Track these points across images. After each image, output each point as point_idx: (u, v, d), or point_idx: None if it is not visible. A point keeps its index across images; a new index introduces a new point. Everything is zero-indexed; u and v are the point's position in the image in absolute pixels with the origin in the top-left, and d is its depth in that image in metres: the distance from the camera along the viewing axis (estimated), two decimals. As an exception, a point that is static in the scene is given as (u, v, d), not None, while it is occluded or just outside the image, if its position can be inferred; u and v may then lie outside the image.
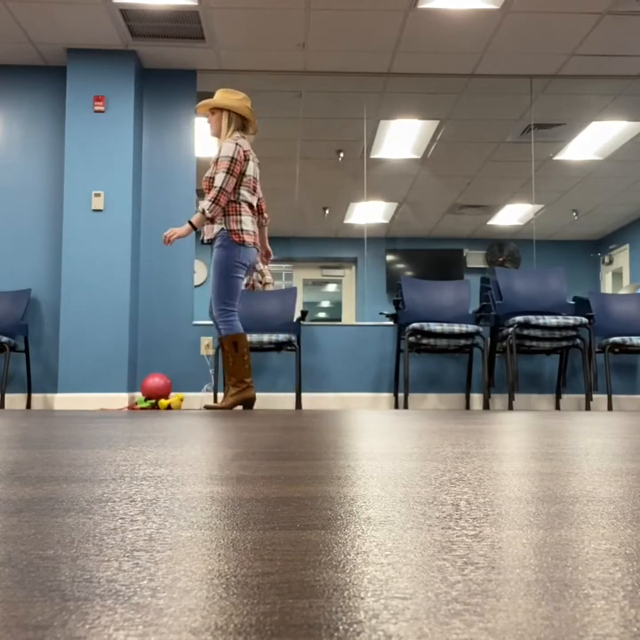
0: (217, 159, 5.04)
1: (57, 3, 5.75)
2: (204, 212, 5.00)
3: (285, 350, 6.04)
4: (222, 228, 5.09)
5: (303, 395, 6.35)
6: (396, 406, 6.36)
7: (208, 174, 5.06)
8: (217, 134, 5.18)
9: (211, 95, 7.08)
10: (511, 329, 5.94)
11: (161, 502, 0.78)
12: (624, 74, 6.93)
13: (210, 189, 5.03)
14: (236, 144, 5.02)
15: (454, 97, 7.24)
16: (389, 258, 9.41)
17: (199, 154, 6.80)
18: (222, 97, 5.15)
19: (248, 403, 5.05)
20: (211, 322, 6.51)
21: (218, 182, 4.97)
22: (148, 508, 0.74)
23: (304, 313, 6.31)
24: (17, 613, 0.38)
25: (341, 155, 7.94)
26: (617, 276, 9.79)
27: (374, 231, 8.82)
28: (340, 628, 0.36)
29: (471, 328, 5.95)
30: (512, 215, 9.10)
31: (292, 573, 0.48)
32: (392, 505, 0.76)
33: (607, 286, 9.78)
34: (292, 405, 6.28)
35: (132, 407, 6.09)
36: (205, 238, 5.19)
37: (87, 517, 0.69)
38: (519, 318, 5.93)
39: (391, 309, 6.82)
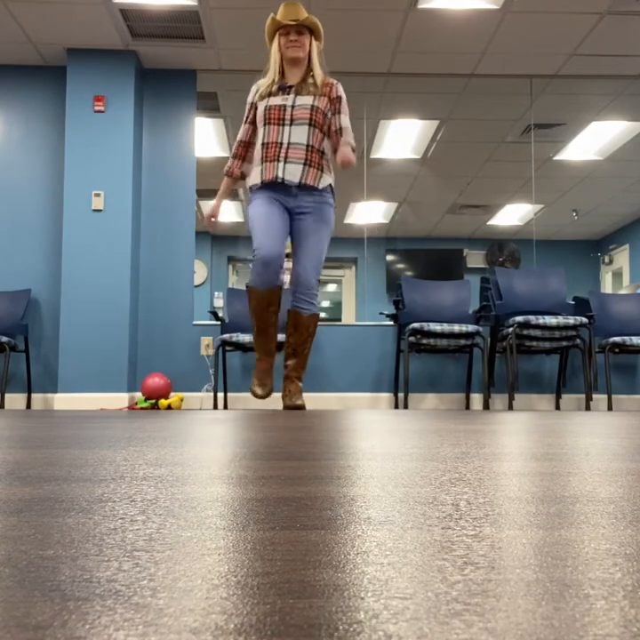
0: (323, 92, 4.31)
1: (57, 3, 5.75)
2: (354, 149, 4.22)
3: (285, 350, 6.03)
4: (330, 184, 4.32)
5: (303, 395, 6.35)
6: (396, 406, 6.36)
7: (313, 104, 4.26)
8: (301, 60, 4.36)
9: (211, 95, 7.10)
10: (511, 329, 5.94)
11: (161, 502, 0.78)
12: (624, 74, 6.93)
13: (320, 123, 4.27)
14: None
15: (454, 97, 7.24)
16: (389, 258, 9.41)
17: (199, 154, 6.81)
18: (318, 25, 4.42)
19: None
20: (211, 321, 6.51)
21: (347, 123, 4.29)
22: (148, 508, 0.74)
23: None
24: (17, 613, 0.38)
25: (341, 155, 7.92)
26: (617, 276, 9.79)
27: (374, 231, 8.82)
28: (340, 627, 0.36)
29: (471, 328, 5.95)
30: (512, 215, 9.10)
31: (292, 573, 0.48)
32: (392, 505, 0.76)
33: (607, 286, 9.77)
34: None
35: (131, 407, 6.09)
36: (306, 182, 4.22)
37: (87, 517, 0.69)
38: (519, 318, 5.93)
39: (391, 309, 6.82)
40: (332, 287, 10.00)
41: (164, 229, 6.62)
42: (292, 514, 0.71)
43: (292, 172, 4.22)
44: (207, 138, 7.46)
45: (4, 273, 6.55)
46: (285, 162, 4.22)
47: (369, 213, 8.46)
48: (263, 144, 4.29)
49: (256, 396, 4.48)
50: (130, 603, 0.41)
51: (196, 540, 0.59)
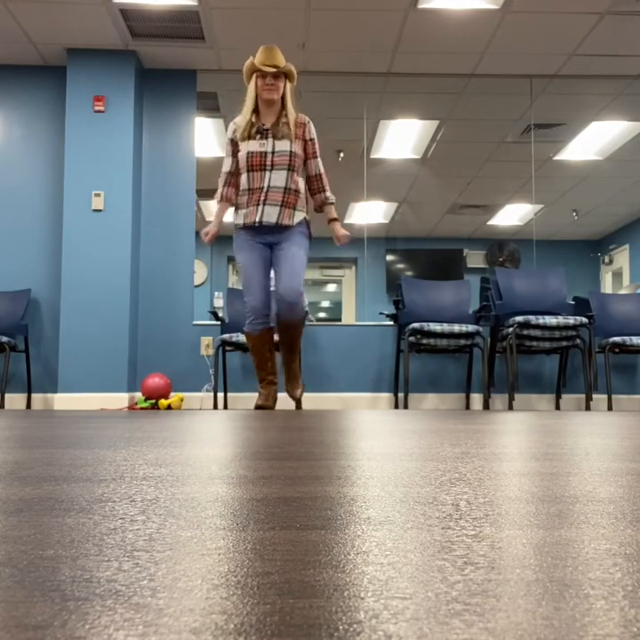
0: (297, 134, 4.66)
1: (57, 3, 5.75)
2: (333, 203, 4.77)
3: (285, 350, 6.03)
4: (305, 218, 4.73)
5: (303, 394, 6.34)
6: (396, 406, 6.36)
7: (290, 150, 4.62)
8: (275, 102, 4.67)
9: (211, 95, 7.10)
10: (511, 329, 5.94)
11: (161, 502, 0.78)
12: (624, 74, 6.93)
13: (297, 167, 4.66)
14: None
15: (454, 97, 7.24)
16: (389, 258, 9.41)
17: (199, 154, 6.81)
18: (293, 72, 4.71)
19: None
20: (211, 321, 6.51)
21: (322, 168, 4.76)
22: (148, 508, 0.74)
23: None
24: (17, 613, 0.38)
25: (341, 155, 7.94)
26: (617, 276, 9.79)
27: (374, 231, 8.82)
28: (340, 627, 0.36)
29: (471, 328, 5.95)
30: (512, 215, 9.10)
31: (292, 573, 0.48)
32: (392, 505, 0.76)
33: (607, 286, 9.78)
34: (292, 405, 6.28)
35: (131, 407, 6.09)
36: (282, 222, 4.63)
37: (87, 517, 0.69)
38: (519, 318, 5.93)
39: (391, 309, 6.82)
40: (332, 287, 10.00)
41: (163, 229, 6.62)
42: (292, 514, 0.71)
43: (270, 214, 4.63)
44: (207, 138, 7.46)
45: (4, 273, 6.55)
46: (264, 205, 4.62)
47: (369, 213, 8.46)
48: (248, 190, 4.67)
49: (259, 407, 4.88)
50: (130, 603, 0.41)
51: (196, 540, 0.59)
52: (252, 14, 5.89)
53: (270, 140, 4.63)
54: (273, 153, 4.61)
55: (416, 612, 0.39)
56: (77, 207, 6.32)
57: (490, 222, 9.38)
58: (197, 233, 6.72)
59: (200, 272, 8.50)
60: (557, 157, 8.17)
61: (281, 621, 0.37)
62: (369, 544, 0.57)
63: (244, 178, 4.69)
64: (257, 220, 4.63)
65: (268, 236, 4.71)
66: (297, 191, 4.67)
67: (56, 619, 0.38)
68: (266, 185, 4.61)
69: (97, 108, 6.40)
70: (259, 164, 4.62)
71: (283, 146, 4.62)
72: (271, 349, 4.81)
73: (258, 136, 4.65)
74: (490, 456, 1.34)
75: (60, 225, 6.54)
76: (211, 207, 8.90)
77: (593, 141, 7.97)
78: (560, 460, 1.26)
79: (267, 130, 4.65)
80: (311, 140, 4.72)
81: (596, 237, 9.88)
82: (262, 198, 4.62)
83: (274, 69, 4.60)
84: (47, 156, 6.64)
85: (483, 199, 9.10)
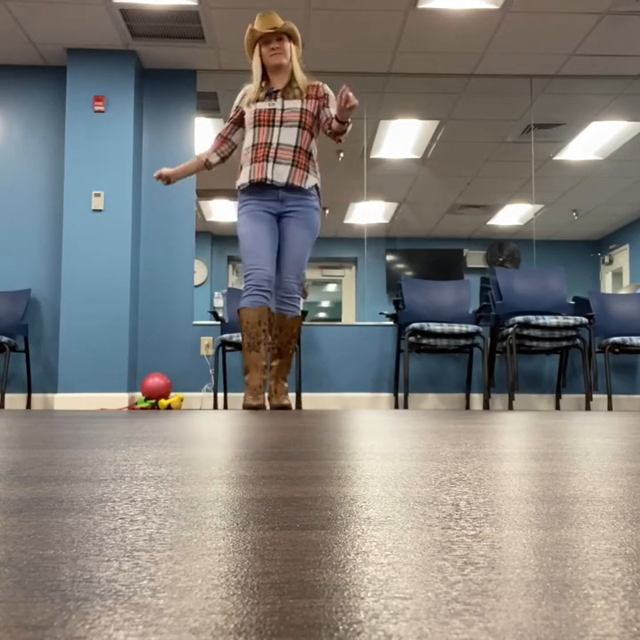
0: (309, 94, 4.36)
1: (57, 3, 5.75)
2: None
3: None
4: (316, 185, 4.41)
5: (303, 395, 6.35)
6: (396, 406, 6.36)
7: (302, 107, 4.33)
8: (285, 66, 4.41)
9: (211, 95, 7.10)
10: (511, 329, 5.94)
11: (161, 502, 0.78)
12: (624, 74, 6.93)
13: (309, 125, 4.35)
14: None
15: (454, 97, 7.24)
16: (389, 258, 9.41)
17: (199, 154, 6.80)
18: (296, 31, 4.43)
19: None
20: (211, 321, 6.51)
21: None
22: (148, 508, 0.74)
23: (304, 313, 6.30)
24: (17, 613, 0.38)
25: (341, 155, 7.94)
26: (617, 276, 9.79)
27: (374, 231, 8.82)
28: (340, 627, 0.36)
29: (471, 328, 5.95)
30: (512, 215, 9.10)
31: (292, 573, 0.48)
32: (392, 505, 0.76)
33: (607, 286, 9.77)
34: (291, 405, 6.28)
35: (131, 407, 6.09)
36: (293, 182, 4.30)
37: (87, 517, 0.69)
38: (519, 318, 5.93)
39: (391, 309, 6.82)
40: (332, 287, 10.00)
41: (163, 229, 6.62)
42: (292, 514, 0.71)
43: (280, 173, 4.30)
44: (207, 138, 7.46)
45: (4, 273, 6.55)
46: (274, 162, 4.30)
47: (369, 213, 8.46)
48: (253, 145, 4.37)
49: (251, 407, 4.42)
50: (130, 603, 0.41)
51: (195, 540, 0.59)
52: (251, 14, 5.87)
53: (280, 100, 4.38)
54: (282, 109, 4.35)
55: (416, 612, 0.39)
56: (77, 207, 6.32)
57: (490, 222, 9.38)
58: (197, 233, 6.74)
59: (200, 272, 8.50)
60: (557, 157, 8.17)
61: (281, 621, 0.37)
62: (369, 544, 0.57)
63: (249, 135, 4.40)
64: (266, 176, 4.29)
65: (276, 205, 4.38)
66: (308, 153, 4.37)
67: (56, 619, 0.38)
68: (275, 141, 4.32)
69: (97, 108, 6.40)
70: (266, 119, 4.34)
71: (293, 104, 4.37)
72: (266, 331, 4.36)
73: (267, 97, 4.40)
74: (490, 456, 1.34)
75: (60, 225, 6.54)
76: (211, 207, 8.90)
77: (593, 141, 7.97)
78: (560, 460, 1.26)
79: (277, 91, 4.42)
80: (325, 94, 4.40)
81: (596, 237, 9.88)
82: (270, 154, 4.31)
83: (274, 31, 4.36)
84: (47, 156, 6.64)
85: (483, 199, 9.10)
